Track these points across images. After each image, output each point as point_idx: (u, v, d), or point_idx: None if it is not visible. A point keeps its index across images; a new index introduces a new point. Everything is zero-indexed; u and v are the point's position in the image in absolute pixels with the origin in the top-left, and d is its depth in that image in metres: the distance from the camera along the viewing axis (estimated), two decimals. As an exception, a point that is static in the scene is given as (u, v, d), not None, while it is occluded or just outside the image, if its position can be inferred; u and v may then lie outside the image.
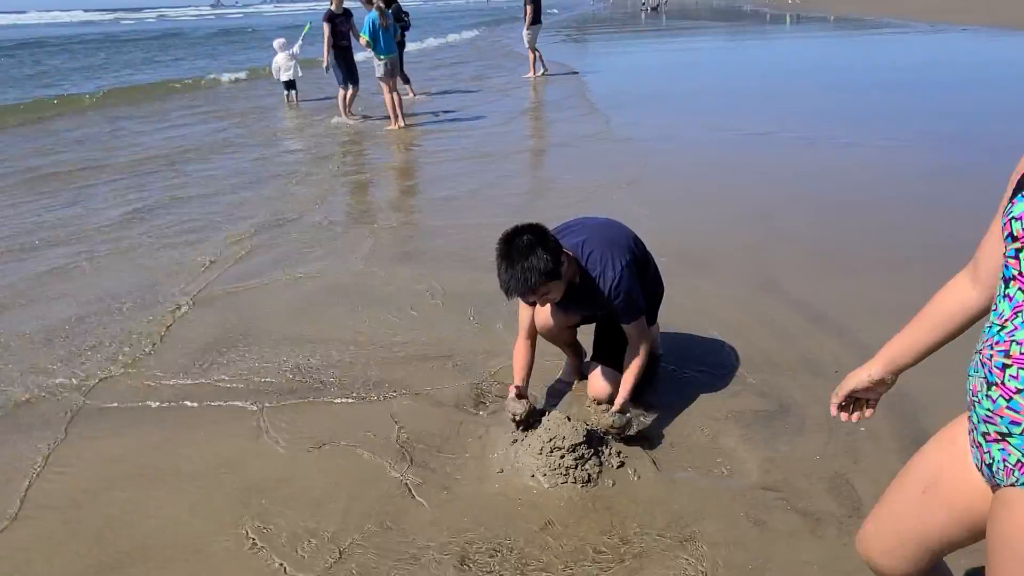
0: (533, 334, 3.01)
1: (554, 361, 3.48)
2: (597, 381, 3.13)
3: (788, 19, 36.93)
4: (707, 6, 59.56)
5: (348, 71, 10.77)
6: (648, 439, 2.88)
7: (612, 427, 2.80)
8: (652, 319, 3.22)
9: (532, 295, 2.68)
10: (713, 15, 47.59)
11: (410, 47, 18.40)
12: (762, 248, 4.94)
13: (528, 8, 15.22)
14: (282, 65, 13.07)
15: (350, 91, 10.89)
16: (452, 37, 29.89)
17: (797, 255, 4.78)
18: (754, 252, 4.86)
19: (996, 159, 7.08)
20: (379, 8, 9.80)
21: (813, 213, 5.64)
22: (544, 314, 3.11)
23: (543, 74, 15.58)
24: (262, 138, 10.09)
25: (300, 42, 13.39)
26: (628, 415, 2.85)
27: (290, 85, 13.22)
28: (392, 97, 10.07)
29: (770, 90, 12.70)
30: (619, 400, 2.87)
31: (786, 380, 3.28)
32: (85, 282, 4.86)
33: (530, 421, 2.80)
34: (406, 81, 12.63)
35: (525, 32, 15.50)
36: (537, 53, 15.68)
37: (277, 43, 13.17)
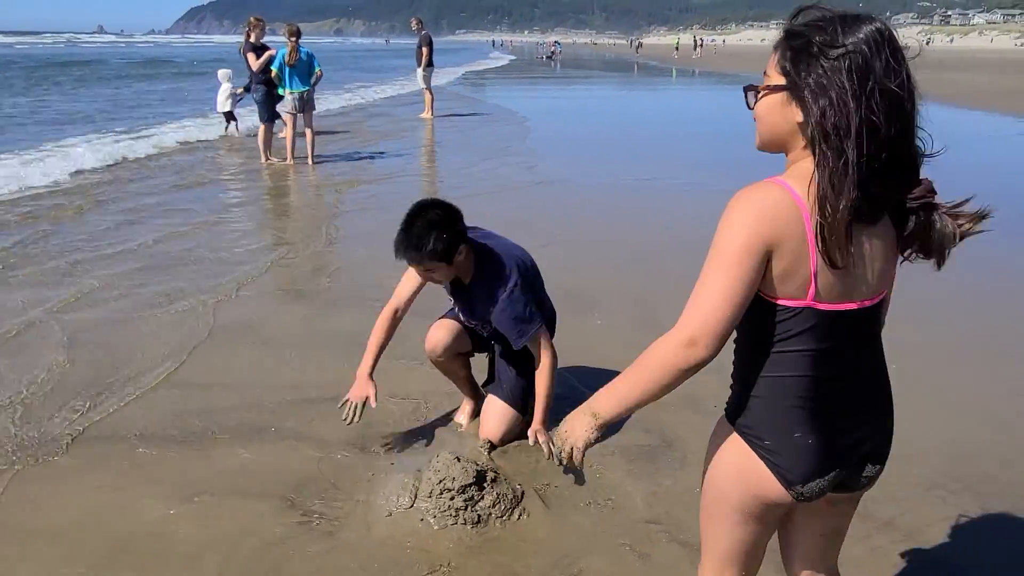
0: (398, 311, 3.03)
1: (445, 401, 3.47)
2: (486, 420, 3.13)
3: (674, 72, 39.04)
4: (598, 58, 62.14)
5: (272, 107, 10.26)
6: (537, 476, 2.90)
7: (551, 457, 2.57)
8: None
9: (418, 264, 2.75)
10: (604, 66, 49.66)
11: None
12: (645, 288, 5.13)
13: (424, 50, 15.43)
14: (224, 96, 12.66)
15: (267, 128, 10.37)
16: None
17: (678, 295, 4.97)
18: (638, 292, 5.05)
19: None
20: (290, 44, 9.75)
21: (692, 255, 5.91)
22: (434, 336, 3.13)
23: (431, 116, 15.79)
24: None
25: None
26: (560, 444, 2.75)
27: (230, 116, 12.88)
28: (291, 133, 10.11)
29: (653, 137, 13.34)
30: (536, 418, 2.91)
31: (669, 416, 3.40)
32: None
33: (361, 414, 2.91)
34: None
35: (420, 72, 15.68)
36: (431, 93, 15.88)
37: (221, 73, 12.81)
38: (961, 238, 1.34)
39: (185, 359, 3.97)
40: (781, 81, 1.31)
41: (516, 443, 3.15)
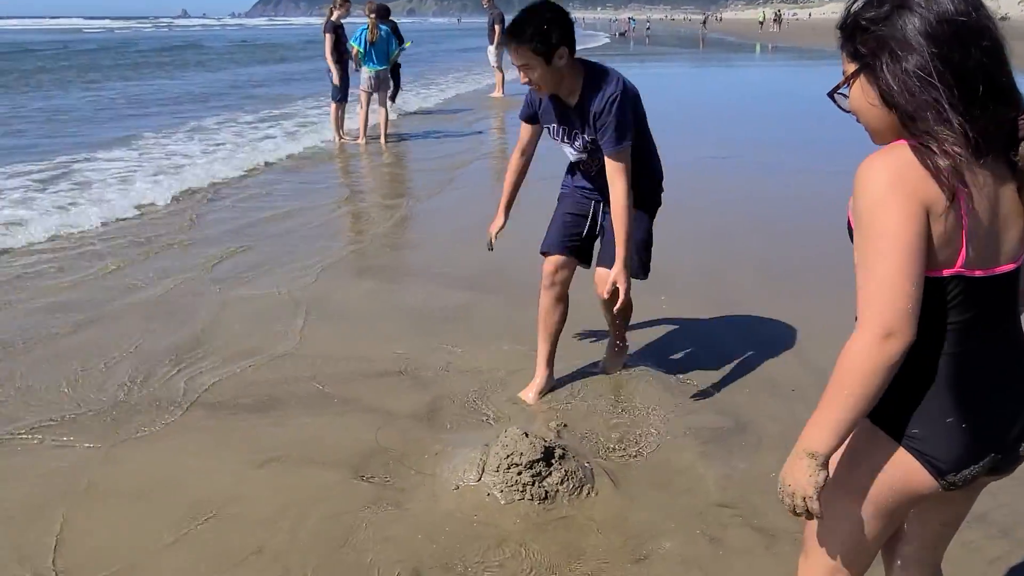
0: (524, 150, 3.23)
1: (513, 378, 3.45)
2: (600, 275, 3.10)
3: (757, 48, 37.77)
4: (673, 34, 60.70)
5: (345, 87, 10.34)
6: (606, 456, 2.86)
7: (618, 289, 2.90)
8: (652, 209, 3.21)
9: (517, 53, 2.80)
10: (679, 42, 48.47)
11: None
12: (720, 270, 4.99)
13: (496, 28, 15.34)
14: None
15: (339, 107, 10.47)
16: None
17: (754, 277, 4.83)
18: (712, 273, 4.91)
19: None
20: (371, 21, 9.80)
21: (768, 237, 5.72)
22: (549, 264, 3.20)
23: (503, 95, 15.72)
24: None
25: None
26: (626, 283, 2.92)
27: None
28: (364, 112, 10.16)
29: (732, 115, 12.96)
30: (619, 256, 2.91)
31: (743, 398, 3.29)
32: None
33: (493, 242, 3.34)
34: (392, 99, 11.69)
35: (492, 50, 15.60)
36: (504, 73, 15.80)
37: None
38: None
39: (261, 332, 4.07)
40: (852, 67, 1.29)
41: (585, 430, 3.10)
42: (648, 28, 67.57)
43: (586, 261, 3.30)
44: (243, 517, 2.52)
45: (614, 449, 2.91)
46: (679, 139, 10.14)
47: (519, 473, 2.59)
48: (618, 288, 2.93)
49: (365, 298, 4.59)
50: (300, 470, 2.78)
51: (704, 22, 72.95)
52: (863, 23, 1.26)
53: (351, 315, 4.31)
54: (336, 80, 10.15)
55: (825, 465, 1.30)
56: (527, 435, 2.67)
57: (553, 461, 2.64)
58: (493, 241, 3.39)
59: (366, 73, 9.95)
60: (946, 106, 1.18)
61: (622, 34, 63.46)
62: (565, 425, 3.05)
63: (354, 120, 10.55)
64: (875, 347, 1.20)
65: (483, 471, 2.65)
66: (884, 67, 1.22)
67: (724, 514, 2.51)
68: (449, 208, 6.91)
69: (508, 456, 2.61)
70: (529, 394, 3.33)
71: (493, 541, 2.39)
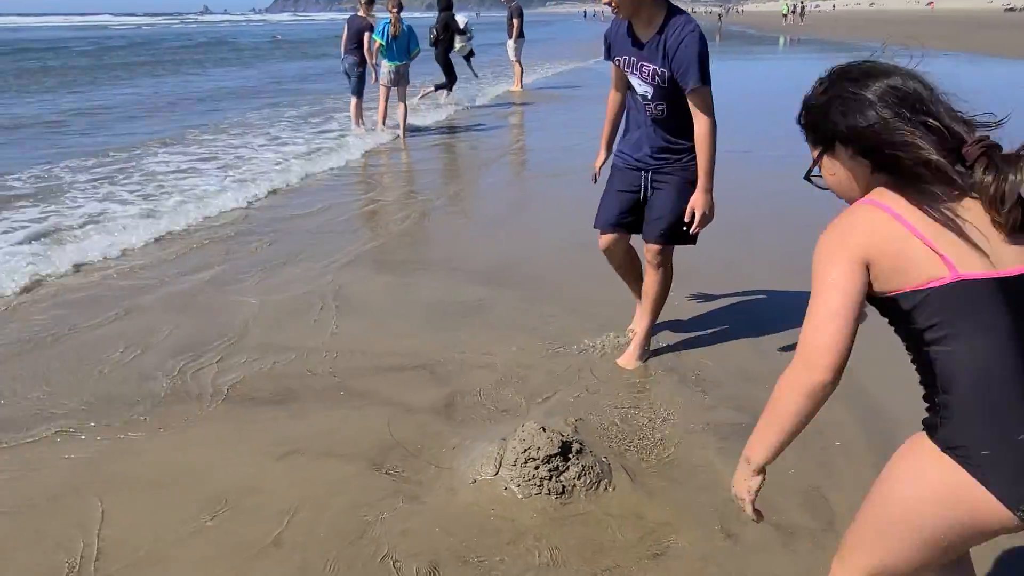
0: (620, 88, 3.42)
1: (532, 373, 3.45)
2: (648, 248, 3.41)
3: (781, 41, 37.41)
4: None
5: (363, 81, 10.50)
6: (623, 451, 2.85)
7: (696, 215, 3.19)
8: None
9: None
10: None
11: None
12: (738, 264, 4.95)
13: (515, 22, 15.32)
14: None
15: (358, 102, 10.67)
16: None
17: (774, 271, 4.79)
18: (730, 268, 4.88)
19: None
20: (393, 15, 9.88)
21: (789, 231, 5.67)
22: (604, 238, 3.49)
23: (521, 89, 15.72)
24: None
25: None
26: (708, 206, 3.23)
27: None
28: (383, 104, 10.26)
29: (752, 109, 12.82)
30: (701, 184, 3.16)
31: (763, 394, 3.26)
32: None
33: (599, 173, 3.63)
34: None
35: (511, 44, 15.58)
36: (522, 67, 15.78)
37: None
38: None
39: (283, 327, 4.10)
40: (816, 151, 1.48)
41: (602, 425, 3.10)
42: None
43: (638, 231, 3.49)
44: (262, 509, 2.54)
45: (631, 444, 2.90)
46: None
47: (536, 467, 2.59)
48: (695, 214, 3.21)
49: (383, 293, 4.61)
50: (318, 463, 2.81)
51: (720, 16, 72.55)
52: (812, 115, 1.47)
53: (369, 310, 4.33)
54: (358, 76, 10.33)
55: (760, 472, 1.46)
56: (544, 429, 2.67)
57: (570, 456, 2.64)
58: (597, 175, 3.66)
59: (386, 67, 10.00)
60: (919, 136, 1.32)
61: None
62: (582, 420, 3.04)
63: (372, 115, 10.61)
64: (801, 377, 1.36)
65: (500, 465, 2.65)
66: (840, 143, 1.42)
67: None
68: (466, 203, 6.92)
69: (525, 450, 2.61)
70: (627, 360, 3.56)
71: (510, 535, 2.40)
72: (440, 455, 2.84)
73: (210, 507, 2.54)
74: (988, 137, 1.35)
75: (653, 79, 3.13)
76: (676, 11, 3.09)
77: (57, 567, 2.28)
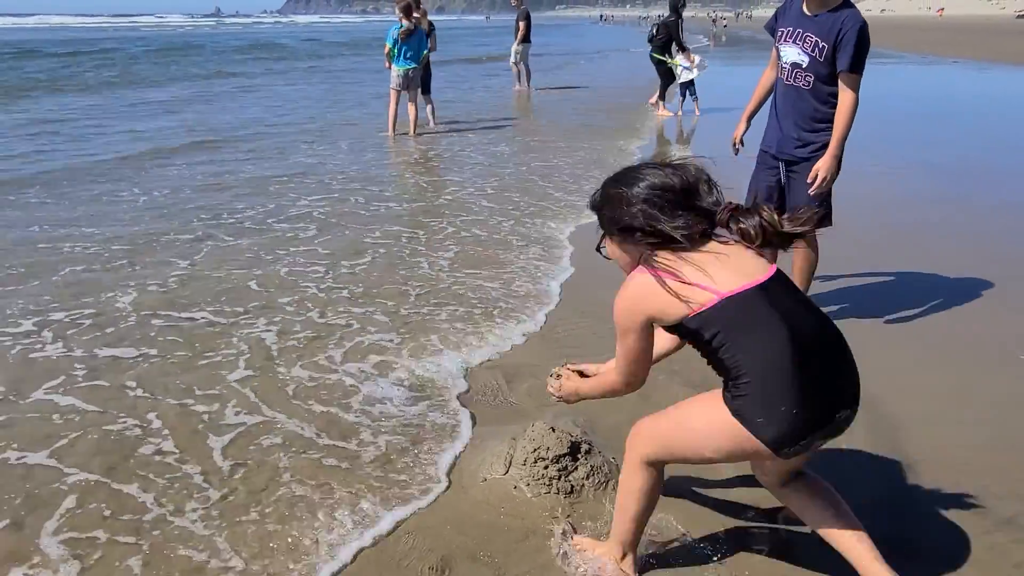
0: (775, 67, 3.82)
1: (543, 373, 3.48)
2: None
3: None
4: (704, 32, 60.15)
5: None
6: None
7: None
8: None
9: None
10: (693, 39, 47.99)
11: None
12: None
13: (520, 24, 15.40)
14: (688, 66, 12.50)
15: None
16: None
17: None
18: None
19: (982, 187, 7.19)
20: (407, 21, 10.00)
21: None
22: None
23: (528, 90, 15.78)
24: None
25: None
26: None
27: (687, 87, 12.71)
28: (394, 108, 10.30)
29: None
30: (831, 150, 3.55)
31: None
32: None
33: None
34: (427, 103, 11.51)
35: (515, 47, 15.62)
36: (520, 68, 15.83)
37: (698, 57, 12.72)
38: (784, 228, 1.97)
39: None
40: (601, 233, 2.13)
41: (611, 425, 3.13)
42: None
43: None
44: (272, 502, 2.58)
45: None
46: (715, 138, 10.06)
47: (546, 467, 2.63)
48: (818, 173, 3.59)
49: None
50: (328, 460, 2.85)
51: (714, 21, 72.73)
52: (595, 209, 2.11)
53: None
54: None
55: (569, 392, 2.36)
56: (553, 429, 2.71)
57: (579, 456, 2.67)
58: (737, 146, 4.04)
59: (395, 71, 10.06)
60: (662, 220, 1.94)
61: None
62: (590, 420, 3.08)
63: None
64: (618, 386, 2.15)
65: (510, 464, 2.69)
66: (614, 231, 2.05)
67: (750, 512, 2.53)
68: (465, 207, 6.95)
69: (535, 450, 2.65)
70: None
71: (520, 534, 2.43)
72: (451, 453, 2.88)
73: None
74: (731, 202, 2.00)
75: (814, 49, 3.53)
76: (849, 3, 3.52)
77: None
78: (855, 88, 3.49)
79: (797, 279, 3.98)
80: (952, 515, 2.45)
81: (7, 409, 3.19)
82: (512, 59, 15.88)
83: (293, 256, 5.25)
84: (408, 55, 10.00)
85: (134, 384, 3.39)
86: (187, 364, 3.60)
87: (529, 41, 15.69)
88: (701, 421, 1.96)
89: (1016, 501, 2.55)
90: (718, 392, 1.94)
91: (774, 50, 3.82)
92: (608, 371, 2.09)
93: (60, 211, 6.50)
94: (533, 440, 2.67)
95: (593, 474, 2.65)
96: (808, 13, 3.57)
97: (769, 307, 1.85)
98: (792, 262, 3.96)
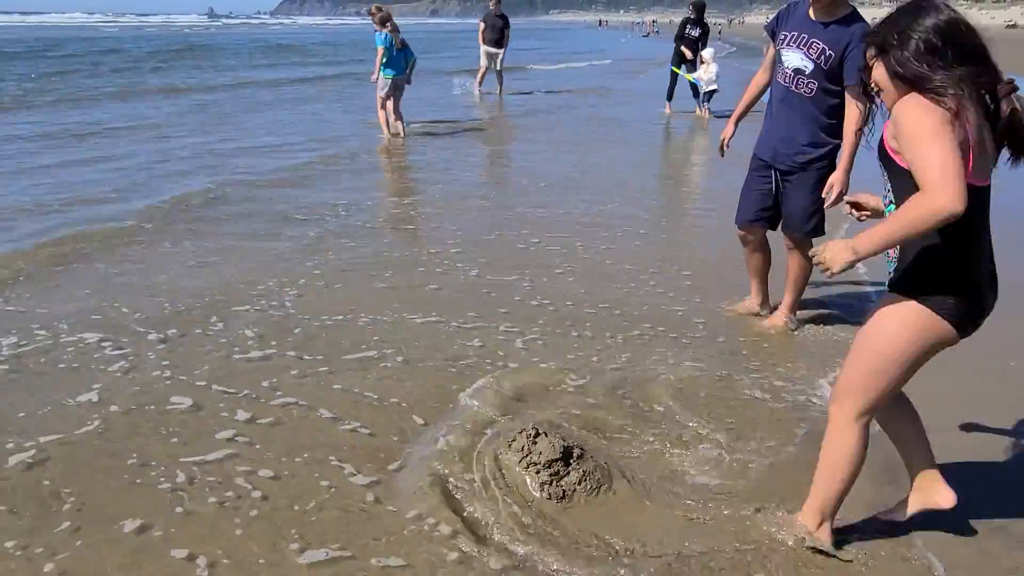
0: (768, 70, 3.80)
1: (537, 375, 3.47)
2: (788, 237, 3.96)
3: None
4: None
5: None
6: (624, 457, 2.87)
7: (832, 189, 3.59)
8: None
9: None
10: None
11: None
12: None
13: (481, 24, 15.46)
14: (711, 77, 12.49)
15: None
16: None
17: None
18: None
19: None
20: (394, 29, 10.08)
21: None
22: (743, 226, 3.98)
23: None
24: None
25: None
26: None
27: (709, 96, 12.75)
28: (383, 112, 10.34)
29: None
30: (841, 166, 3.56)
31: (740, 402, 3.30)
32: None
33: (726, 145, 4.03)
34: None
35: (501, 52, 15.53)
36: (483, 71, 15.75)
37: (707, 52, 12.65)
38: None
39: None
40: (871, 54, 2.05)
41: (603, 430, 3.12)
42: (657, 31, 68.80)
43: (774, 225, 3.94)
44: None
45: (632, 450, 2.92)
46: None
47: (537, 472, 2.62)
48: (832, 189, 3.59)
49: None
50: (328, 463, 2.83)
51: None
52: (878, 30, 2.02)
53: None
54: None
55: (855, 258, 1.91)
56: (546, 434, 2.70)
57: (571, 461, 2.66)
58: (725, 148, 4.00)
59: (385, 80, 10.12)
60: (938, 67, 1.87)
61: (645, 36, 63.73)
62: (583, 426, 3.06)
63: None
64: (938, 204, 1.77)
65: (502, 469, 2.67)
66: (892, 55, 1.95)
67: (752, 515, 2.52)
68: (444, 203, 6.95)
69: (527, 455, 2.64)
70: (738, 308, 4.19)
71: (510, 535, 2.41)
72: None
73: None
74: (1012, 81, 1.91)
75: (819, 57, 3.50)
76: (859, 15, 3.54)
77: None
78: (859, 103, 3.45)
79: (789, 287, 3.98)
80: (944, 522, 2.45)
81: None
82: (482, 60, 15.77)
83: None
84: (398, 64, 10.15)
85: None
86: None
87: (505, 47, 15.59)
88: (891, 324, 2.05)
89: (1008, 507, 2.56)
90: (891, 305, 2.06)
91: (768, 52, 3.80)
92: (914, 198, 1.84)
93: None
94: (525, 445, 2.66)
95: (585, 479, 2.64)
96: (815, 20, 3.53)
97: (984, 211, 1.99)
98: (786, 271, 3.96)
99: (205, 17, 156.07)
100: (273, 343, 3.81)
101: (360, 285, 4.71)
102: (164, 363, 3.58)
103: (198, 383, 3.38)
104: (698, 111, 12.94)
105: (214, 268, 5.00)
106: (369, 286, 4.70)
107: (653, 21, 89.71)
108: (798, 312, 4.07)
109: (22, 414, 3.10)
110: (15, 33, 50.02)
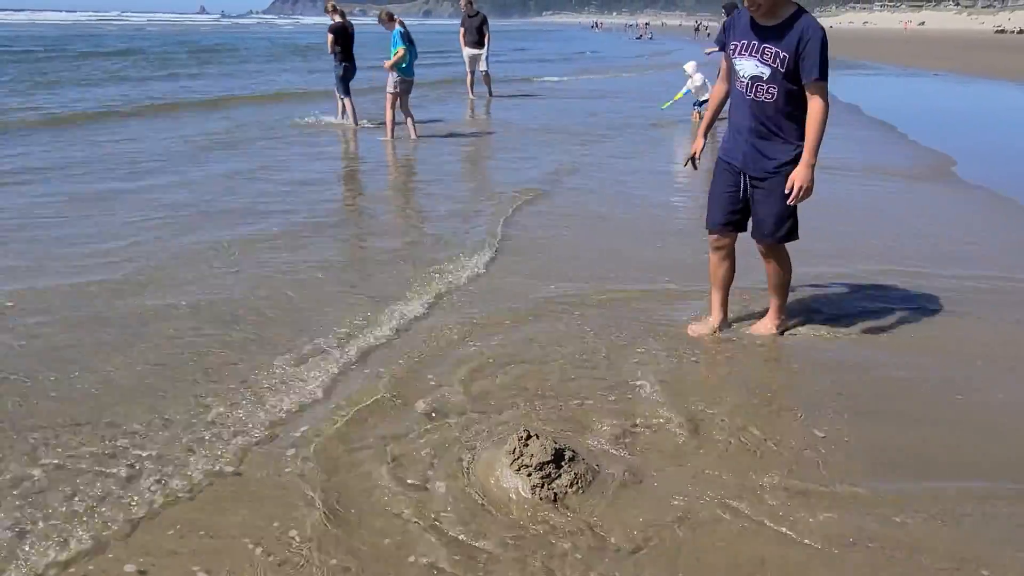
0: (727, 80, 3.77)
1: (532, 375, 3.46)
2: (759, 244, 3.87)
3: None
4: (671, 37, 60.65)
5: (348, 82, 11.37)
6: (616, 459, 2.87)
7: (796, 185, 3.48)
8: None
9: None
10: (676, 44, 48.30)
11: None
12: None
13: (462, 28, 15.49)
14: (699, 86, 12.19)
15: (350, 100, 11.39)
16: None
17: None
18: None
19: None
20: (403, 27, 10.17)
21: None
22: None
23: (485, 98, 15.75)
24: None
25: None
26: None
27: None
28: (391, 112, 10.32)
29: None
30: (804, 159, 3.49)
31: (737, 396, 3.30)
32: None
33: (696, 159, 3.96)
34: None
35: (484, 54, 15.52)
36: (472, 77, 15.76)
37: (690, 66, 12.37)
38: None
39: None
40: None
41: (595, 433, 3.11)
42: (651, 36, 69.22)
43: (744, 228, 3.87)
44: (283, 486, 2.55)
45: (624, 453, 2.92)
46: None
47: (529, 474, 2.61)
48: (793, 182, 3.50)
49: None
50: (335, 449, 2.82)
51: (696, 28, 74.22)
52: None
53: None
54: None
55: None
56: (538, 437, 2.69)
57: (563, 463, 2.66)
58: (697, 161, 3.96)
59: (398, 77, 10.01)
60: None
61: (638, 38, 64.19)
62: (575, 428, 3.06)
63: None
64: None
65: (494, 471, 2.67)
66: None
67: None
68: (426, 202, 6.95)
69: (518, 457, 2.63)
70: (700, 328, 3.98)
71: (499, 540, 2.41)
72: (435, 460, 2.85)
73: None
74: None
75: (774, 61, 3.47)
76: (803, 10, 3.49)
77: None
78: (824, 95, 3.47)
79: (773, 292, 3.95)
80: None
81: None
82: (482, 66, 15.62)
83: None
84: (410, 64, 10.10)
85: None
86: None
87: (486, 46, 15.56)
88: None
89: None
90: None
91: (724, 63, 3.75)
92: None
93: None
94: (516, 447, 2.65)
95: (577, 482, 2.63)
96: (762, 24, 3.50)
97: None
98: (767, 277, 3.94)
99: (218, 16, 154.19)
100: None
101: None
102: None
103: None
104: (695, 117, 12.88)
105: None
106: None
107: (646, 24, 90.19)
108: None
109: None
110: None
